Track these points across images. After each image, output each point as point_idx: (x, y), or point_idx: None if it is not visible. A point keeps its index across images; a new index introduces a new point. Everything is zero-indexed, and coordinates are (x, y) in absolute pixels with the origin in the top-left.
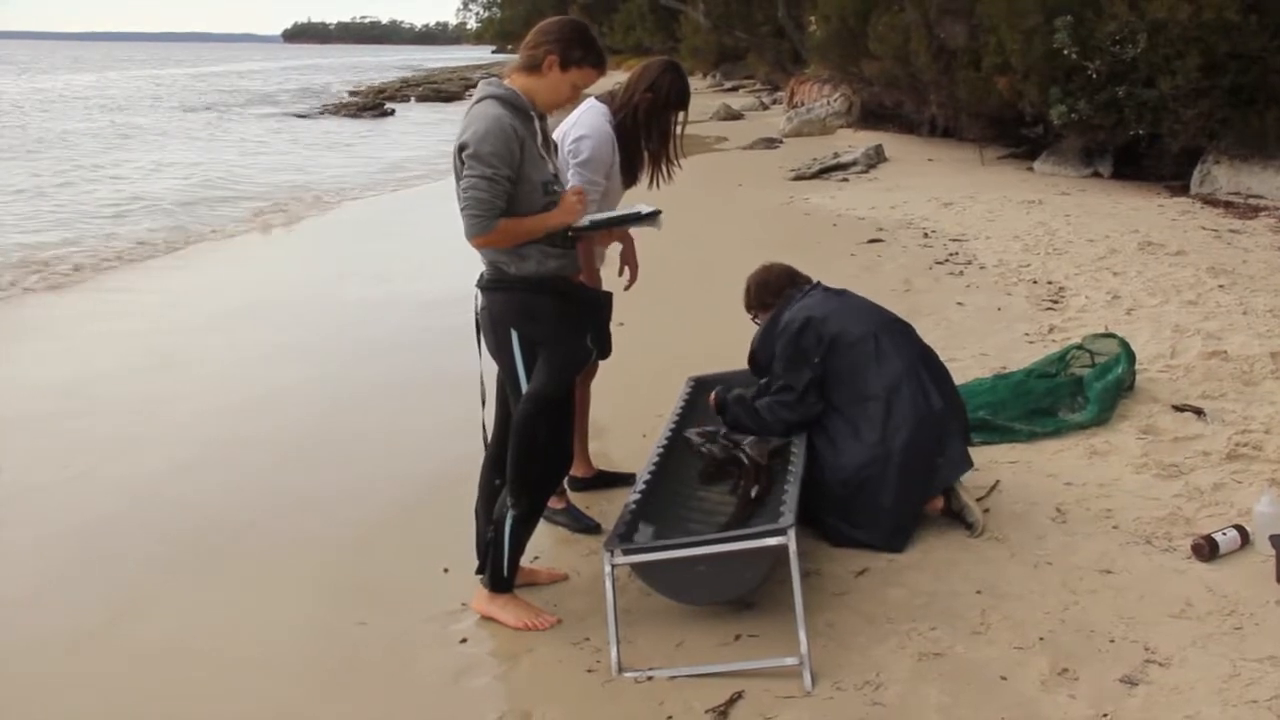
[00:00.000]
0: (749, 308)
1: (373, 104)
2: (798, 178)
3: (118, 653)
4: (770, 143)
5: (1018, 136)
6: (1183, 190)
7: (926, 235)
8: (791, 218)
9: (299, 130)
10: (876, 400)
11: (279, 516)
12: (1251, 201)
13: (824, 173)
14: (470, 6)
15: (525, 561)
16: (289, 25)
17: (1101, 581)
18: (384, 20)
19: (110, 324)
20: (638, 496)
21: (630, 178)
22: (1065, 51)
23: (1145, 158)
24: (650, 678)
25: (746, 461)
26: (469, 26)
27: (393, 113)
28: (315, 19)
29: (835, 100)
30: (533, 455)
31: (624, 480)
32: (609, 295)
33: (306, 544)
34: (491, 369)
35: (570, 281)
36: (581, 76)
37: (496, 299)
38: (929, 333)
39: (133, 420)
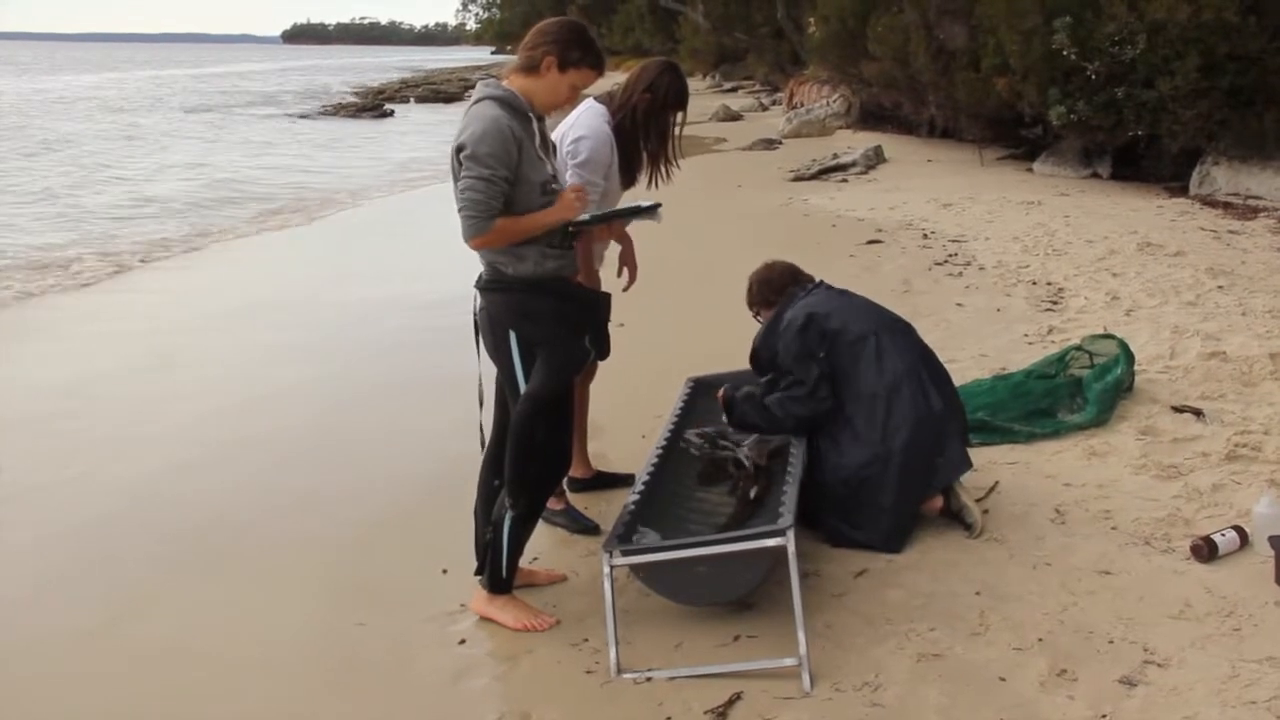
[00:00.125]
0: (751, 305)
1: (372, 105)
2: (797, 179)
3: (118, 653)
4: (769, 144)
5: (1017, 137)
6: (1182, 191)
7: (926, 236)
8: (790, 219)
9: (302, 131)
10: (877, 399)
11: (279, 516)
12: (1250, 202)
13: (823, 174)
14: (469, 7)
15: (524, 562)
16: (288, 26)
17: (1100, 582)
18: (383, 21)
19: (110, 324)
20: (636, 497)
21: (629, 178)
22: (1064, 52)
23: (1144, 159)
24: (649, 679)
25: (745, 463)
26: (468, 27)
27: (392, 114)
28: (314, 20)
29: (834, 101)
30: (531, 456)
31: (623, 481)
32: (607, 296)
33: (306, 544)
34: (489, 370)
35: (569, 282)
36: (580, 77)
37: (495, 299)
38: (928, 333)
39: (133, 420)
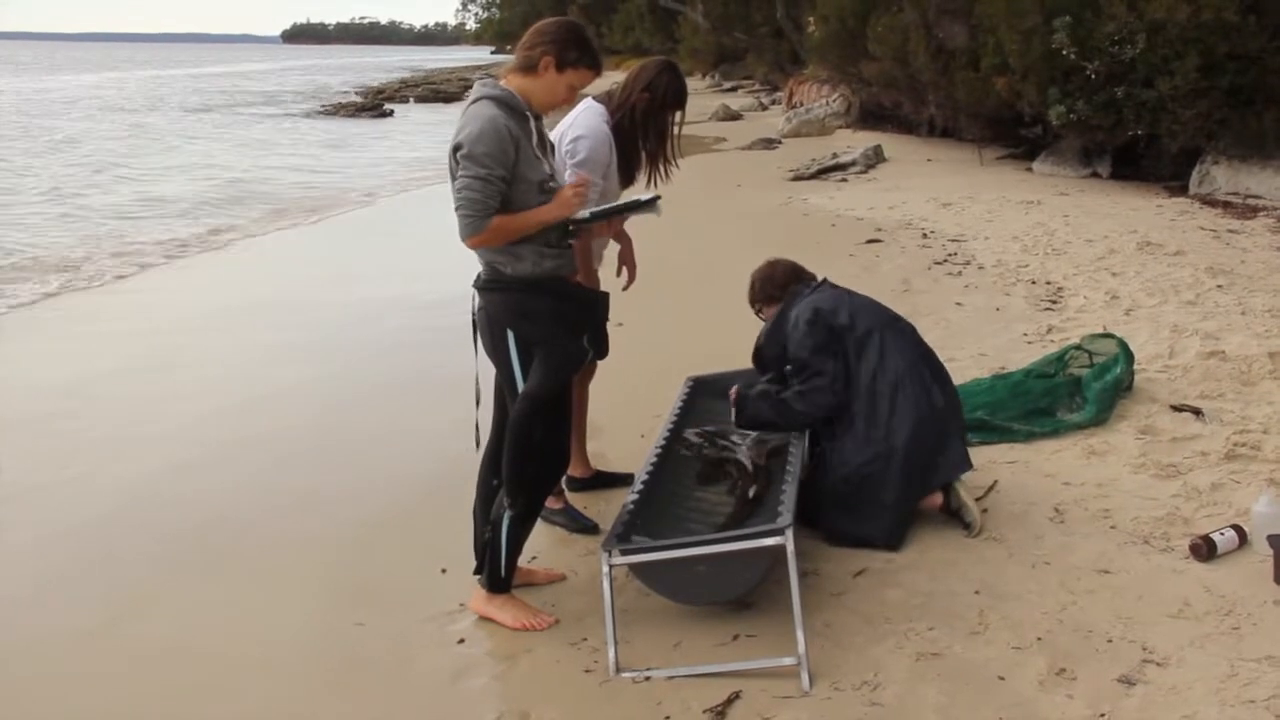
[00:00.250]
0: (753, 302)
1: (371, 105)
2: (796, 178)
3: (118, 653)
4: (769, 143)
5: (1016, 137)
6: (1181, 190)
7: (925, 236)
8: (790, 218)
9: (304, 131)
10: (880, 396)
11: (279, 516)
12: (1250, 202)
13: (823, 173)
14: (469, 7)
15: (523, 562)
16: (288, 26)
17: (1099, 581)
18: (383, 21)
19: (110, 324)
20: (636, 497)
21: (627, 178)
22: (1064, 52)
23: (1144, 158)
24: (648, 678)
25: (745, 462)
26: (468, 27)
27: (391, 113)
28: (314, 20)
29: (834, 101)
30: (529, 455)
31: (622, 480)
32: (606, 295)
33: (306, 544)
34: (487, 370)
35: (567, 281)
36: (577, 77)
37: (493, 299)
38: (928, 333)
39: (133, 420)
